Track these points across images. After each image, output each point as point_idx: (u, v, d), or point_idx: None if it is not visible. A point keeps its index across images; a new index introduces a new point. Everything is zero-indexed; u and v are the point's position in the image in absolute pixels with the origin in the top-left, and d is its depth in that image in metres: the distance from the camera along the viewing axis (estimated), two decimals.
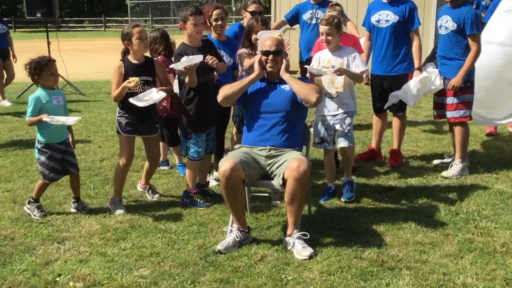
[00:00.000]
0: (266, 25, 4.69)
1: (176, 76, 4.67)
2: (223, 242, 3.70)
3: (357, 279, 3.27)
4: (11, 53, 9.58)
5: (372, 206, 4.48)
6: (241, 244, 3.72)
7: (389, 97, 5.27)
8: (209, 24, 4.79)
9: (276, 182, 3.81)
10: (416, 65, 5.26)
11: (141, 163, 5.67)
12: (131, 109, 4.28)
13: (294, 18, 6.15)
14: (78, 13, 43.93)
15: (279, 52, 4.00)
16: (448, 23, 5.07)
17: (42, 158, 4.25)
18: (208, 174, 4.96)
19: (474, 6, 8.16)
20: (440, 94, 5.29)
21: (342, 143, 4.46)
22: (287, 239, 3.71)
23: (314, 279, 3.27)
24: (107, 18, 39.35)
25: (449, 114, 5.21)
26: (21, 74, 9.36)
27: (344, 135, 4.44)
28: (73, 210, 4.40)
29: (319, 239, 3.79)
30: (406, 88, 5.19)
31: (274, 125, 3.98)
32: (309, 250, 3.57)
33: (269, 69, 4.03)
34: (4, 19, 9.92)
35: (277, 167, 3.82)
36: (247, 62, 4.58)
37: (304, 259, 3.51)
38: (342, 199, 4.53)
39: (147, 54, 4.54)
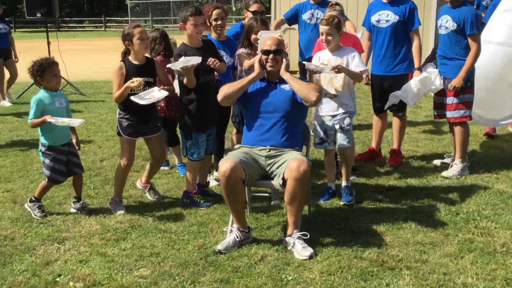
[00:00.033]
0: (265, 25, 4.69)
1: (176, 76, 4.67)
2: (223, 242, 3.70)
3: (357, 279, 3.27)
4: (13, 53, 9.58)
5: (372, 206, 4.48)
6: (241, 244, 3.72)
7: (389, 97, 5.27)
8: (208, 24, 4.79)
9: (276, 182, 3.81)
10: (416, 65, 5.26)
11: (141, 163, 5.67)
12: (133, 110, 4.27)
13: (293, 18, 6.15)
14: (78, 13, 43.93)
15: (279, 51, 4.00)
16: (448, 23, 5.07)
17: (47, 161, 4.25)
18: (208, 174, 4.96)
19: (474, 6, 8.15)
20: (440, 94, 5.29)
21: (341, 143, 4.45)
22: (287, 239, 3.71)
23: (314, 279, 3.27)
24: (107, 18, 39.36)
25: (449, 114, 5.21)
26: (21, 74, 9.43)
27: (343, 135, 4.44)
28: (73, 210, 4.40)
29: (319, 239, 3.79)
30: (406, 88, 5.19)
31: (274, 124, 3.98)
32: (309, 250, 3.57)
33: (269, 69, 4.03)
34: (6, 19, 9.90)
35: (277, 167, 3.82)
36: (246, 63, 4.58)
37: (304, 259, 3.51)
38: (342, 202, 4.50)
39: (147, 54, 4.53)
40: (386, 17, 5.27)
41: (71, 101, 9.27)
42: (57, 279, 3.34)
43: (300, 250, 3.58)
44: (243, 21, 5.50)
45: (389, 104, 5.37)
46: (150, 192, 4.75)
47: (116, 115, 4.42)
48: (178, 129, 5.33)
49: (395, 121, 5.60)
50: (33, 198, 4.37)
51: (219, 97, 4.02)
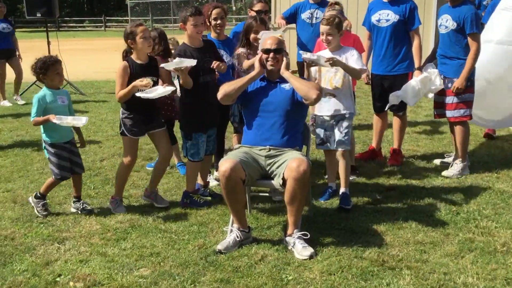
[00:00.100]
0: (264, 24, 4.69)
1: (177, 76, 4.66)
2: (224, 242, 3.70)
3: (358, 279, 3.27)
4: (17, 53, 9.56)
5: (373, 205, 4.47)
6: (241, 244, 3.72)
7: (390, 98, 5.26)
8: (208, 23, 4.78)
9: (276, 182, 3.80)
10: (416, 64, 5.26)
11: (141, 163, 5.67)
12: (136, 109, 4.26)
13: (292, 17, 6.15)
14: (78, 13, 43.95)
15: (280, 50, 4.00)
16: (448, 22, 5.07)
17: (52, 158, 4.26)
18: (208, 174, 4.96)
19: (475, 6, 8.14)
20: (441, 94, 5.28)
21: (339, 146, 4.44)
22: (287, 239, 3.71)
23: (315, 279, 3.27)
24: (107, 18, 39.38)
25: (449, 113, 5.21)
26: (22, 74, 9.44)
27: (341, 138, 4.42)
28: (73, 210, 4.40)
29: (319, 239, 3.79)
30: (406, 88, 5.19)
31: (274, 124, 3.97)
32: (309, 250, 3.56)
33: (269, 67, 4.02)
34: (9, 18, 9.88)
35: (277, 167, 3.81)
36: (246, 63, 4.58)
37: (305, 259, 3.51)
38: (339, 205, 4.40)
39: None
40: (386, 16, 5.27)
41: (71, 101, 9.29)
42: (57, 279, 3.34)
43: (300, 250, 3.58)
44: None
45: (389, 105, 5.36)
46: (157, 199, 4.54)
47: (120, 114, 4.38)
48: (175, 129, 5.33)
49: (396, 121, 5.60)
50: (38, 194, 4.37)
51: (219, 95, 4.01)
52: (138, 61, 4.27)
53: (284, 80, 4.01)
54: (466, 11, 4.97)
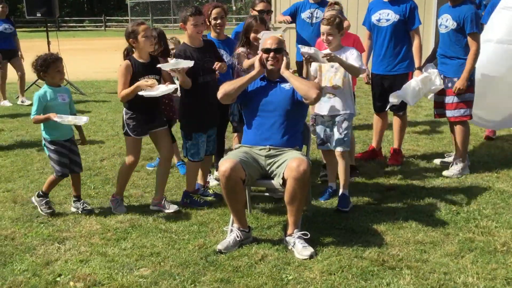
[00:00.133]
0: (264, 24, 4.68)
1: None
2: (224, 242, 3.70)
3: (358, 278, 3.27)
4: (19, 53, 9.56)
5: (373, 205, 4.47)
6: (241, 243, 3.72)
7: (390, 98, 5.26)
8: (208, 23, 4.78)
9: (276, 181, 3.80)
10: (416, 64, 5.26)
11: (141, 163, 5.66)
12: (139, 109, 4.25)
13: (292, 16, 6.15)
14: (78, 12, 43.95)
15: (280, 50, 4.00)
16: (448, 22, 5.07)
17: (52, 155, 4.26)
18: (208, 174, 4.96)
19: (476, 6, 8.14)
20: (441, 93, 5.28)
21: (338, 147, 4.44)
22: (287, 238, 3.71)
23: (315, 279, 3.27)
24: (107, 17, 39.39)
25: (449, 113, 5.21)
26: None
27: (341, 139, 4.42)
28: (73, 209, 4.40)
29: (319, 239, 3.79)
30: (406, 88, 5.19)
31: (274, 123, 3.97)
32: (309, 250, 3.56)
33: (269, 67, 4.02)
34: (11, 18, 9.87)
35: (277, 167, 3.81)
36: (246, 63, 4.57)
37: (305, 259, 3.51)
38: (338, 207, 4.35)
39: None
40: (387, 16, 5.27)
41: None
42: (58, 279, 3.34)
43: (300, 249, 3.58)
44: None
45: (390, 105, 5.36)
46: (166, 205, 4.42)
47: (123, 114, 4.35)
48: (174, 128, 5.33)
49: (396, 121, 5.60)
50: (40, 193, 4.37)
51: (219, 94, 4.01)
52: (140, 60, 4.26)
53: (284, 80, 4.01)
54: (466, 10, 4.97)
